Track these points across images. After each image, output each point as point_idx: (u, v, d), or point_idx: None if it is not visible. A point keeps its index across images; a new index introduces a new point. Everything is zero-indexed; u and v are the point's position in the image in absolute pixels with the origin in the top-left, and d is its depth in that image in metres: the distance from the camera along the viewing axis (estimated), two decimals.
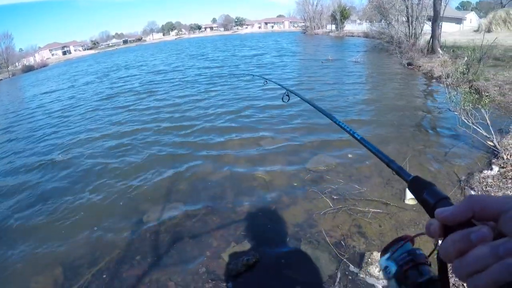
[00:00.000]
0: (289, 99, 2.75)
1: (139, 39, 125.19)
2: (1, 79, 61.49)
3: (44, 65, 78.37)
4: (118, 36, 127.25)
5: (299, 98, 2.39)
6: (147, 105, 15.58)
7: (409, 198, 5.56)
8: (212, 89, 17.54)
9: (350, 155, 7.67)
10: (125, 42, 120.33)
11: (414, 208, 5.38)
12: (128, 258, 5.13)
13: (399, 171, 0.86)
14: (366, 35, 43.60)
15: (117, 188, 7.47)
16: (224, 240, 5.21)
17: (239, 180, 7.17)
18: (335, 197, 5.96)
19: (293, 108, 11.75)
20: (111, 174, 8.28)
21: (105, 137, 11.35)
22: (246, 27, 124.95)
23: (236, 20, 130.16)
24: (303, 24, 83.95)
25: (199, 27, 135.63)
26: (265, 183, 6.93)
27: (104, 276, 4.83)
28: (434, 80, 14.99)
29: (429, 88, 14.35)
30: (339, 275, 4.19)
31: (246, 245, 4.99)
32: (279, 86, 3.36)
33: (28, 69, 73.53)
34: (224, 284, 4.34)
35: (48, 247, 5.78)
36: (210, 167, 7.91)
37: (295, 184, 6.71)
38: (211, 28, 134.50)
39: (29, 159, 10.36)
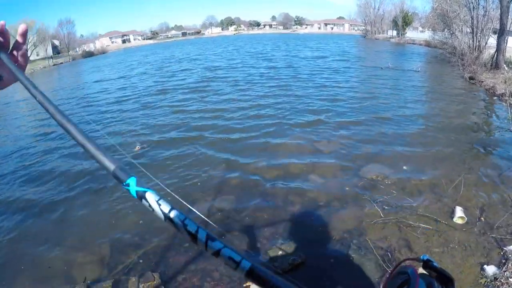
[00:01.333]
0: None
1: (198, 32, 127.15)
2: (62, 63, 65.58)
3: (103, 52, 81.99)
4: (177, 28, 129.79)
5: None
6: (202, 100, 15.94)
7: (458, 216, 5.50)
8: (271, 90, 17.09)
9: (405, 167, 7.64)
10: (183, 34, 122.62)
11: (464, 229, 5.31)
12: (176, 244, 5.41)
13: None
14: (427, 44, 41.74)
15: (172, 177, 7.93)
16: (271, 238, 5.40)
17: (292, 180, 7.32)
18: (386, 207, 5.98)
19: (354, 114, 11.88)
20: (167, 164, 8.74)
21: (171, 128, 11.82)
22: (306, 27, 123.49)
23: (296, 19, 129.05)
24: (364, 27, 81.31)
25: (258, 24, 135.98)
26: (318, 185, 7.06)
27: (151, 258, 5.18)
28: (496, 98, 14.22)
29: (490, 105, 13.65)
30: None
31: (293, 245, 5.11)
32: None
33: (88, 54, 77.22)
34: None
35: (100, 226, 6.27)
36: (265, 165, 8.14)
37: (347, 188, 6.80)
38: (270, 26, 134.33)
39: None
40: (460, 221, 5.48)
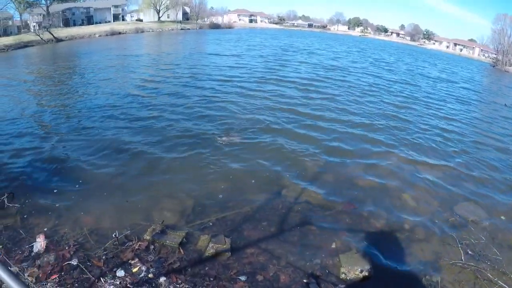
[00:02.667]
0: None
1: (324, 27, 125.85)
2: (189, 29, 70.97)
3: (229, 27, 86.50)
4: (304, 18, 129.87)
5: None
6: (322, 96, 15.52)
7: None
8: (384, 105, 15.48)
9: (503, 217, 6.98)
10: (310, 25, 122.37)
11: None
12: (255, 219, 5.70)
13: None
14: None
15: (273, 156, 8.32)
16: (346, 243, 5.38)
17: (384, 193, 7.19)
18: (469, 252, 5.58)
19: (467, 147, 11.00)
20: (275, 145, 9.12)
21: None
22: (434, 43, 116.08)
23: (425, 32, 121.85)
24: (495, 56, 72.42)
25: (385, 30, 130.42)
26: (409, 206, 6.83)
27: (228, 224, 5.50)
28: None
29: None
30: None
31: (366, 256, 5.05)
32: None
33: (215, 26, 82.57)
34: (332, 285, 4.52)
35: (190, 182, 6.88)
36: (361, 172, 8.05)
37: (436, 221, 6.44)
38: (398, 35, 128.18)
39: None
40: None
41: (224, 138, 9.22)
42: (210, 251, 4.93)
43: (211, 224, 5.54)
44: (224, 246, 4.98)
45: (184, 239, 5.11)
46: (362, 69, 26.80)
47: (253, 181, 7.04)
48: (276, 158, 8.29)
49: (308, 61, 28.52)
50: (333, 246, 5.32)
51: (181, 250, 4.96)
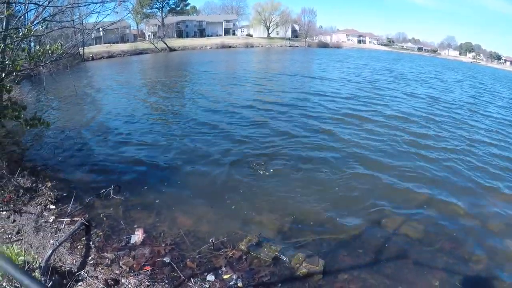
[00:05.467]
0: None
1: (434, 51, 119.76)
2: (297, 46, 72.28)
3: (338, 46, 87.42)
4: (414, 41, 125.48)
5: None
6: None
7: None
8: None
9: None
10: (419, 49, 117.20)
11: None
12: (351, 246, 5.47)
13: None
14: None
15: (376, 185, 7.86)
16: (445, 285, 4.92)
17: (487, 236, 6.43)
18: None
19: None
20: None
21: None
22: None
23: None
24: None
25: (499, 57, 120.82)
26: None
27: (323, 246, 5.34)
28: None
29: None
30: None
31: None
32: None
33: (323, 45, 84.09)
34: None
35: (293, 199, 6.84)
36: (466, 208, 7.24)
37: None
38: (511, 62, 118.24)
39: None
40: None
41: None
42: (302, 270, 4.80)
43: (307, 244, 5.43)
44: (317, 268, 4.83)
45: (278, 254, 5.04)
46: (482, 109, 19.78)
47: (355, 208, 6.80)
48: (380, 187, 7.89)
49: (418, 92, 22.94)
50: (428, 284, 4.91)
51: (274, 265, 4.88)
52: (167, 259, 4.89)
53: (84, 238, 5.35)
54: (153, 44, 55.19)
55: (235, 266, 4.82)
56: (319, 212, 6.46)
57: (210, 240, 5.16)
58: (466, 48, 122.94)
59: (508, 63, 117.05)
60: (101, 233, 5.49)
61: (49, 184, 6.70)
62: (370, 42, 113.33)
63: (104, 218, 5.90)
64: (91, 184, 7.20)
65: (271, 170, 8.20)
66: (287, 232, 5.71)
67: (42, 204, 6.05)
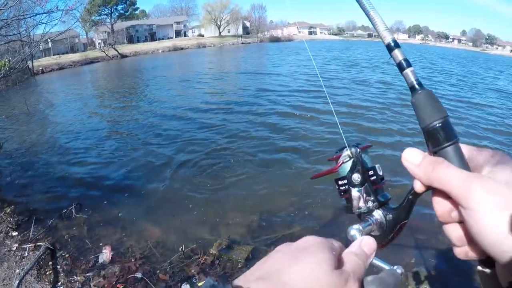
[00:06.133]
0: None
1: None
2: (250, 43, 72.57)
3: (289, 40, 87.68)
4: (363, 28, 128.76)
5: None
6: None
7: None
8: None
9: None
10: (369, 35, 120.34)
11: None
12: (324, 234, 5.33)
13: None
14: None
15: None
16: (420, 261, 5.08)
17: None
18: None
19: None
20: None
21: None
22: (497, 48, 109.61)
23: (487, 37, 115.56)
24: None
25: (446, 37, 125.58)
26: None
27: (293, 240, 5.38)
28: None
29: None
30: None
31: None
32: None
33: (275, 39, 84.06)
34: None
35: (260, 198, 6.84)
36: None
37: None
38: (459, 41, 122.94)
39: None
40: None
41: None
42: None
43: (278, 239, 5.42)
44: None
45: (250, 254, 5.02)
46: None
47: (323, 197, 6.84)
48: None
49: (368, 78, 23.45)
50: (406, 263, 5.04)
51: (247, 265, 4.84)
52: (138, 275, 4.74)
53: (51, 262, 5.12)
54: (104, 52, 53.35)
55: (208, 271, 4.77)
56: (286, 207, 6.47)
57: (180, 249, 5.08)
58: (415, 31, 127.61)
59: (456, 41, 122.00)
60: (67, 255, 5.26)
61: (8, 210, 6.36)
62: (321, 32, 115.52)
63: (69, 239, 5.65)
64: (51, 205, 6.87)
65: (232, 171, 8.15)
66: (257, 231, 5.71)
67: (3, 232, 5.75)
